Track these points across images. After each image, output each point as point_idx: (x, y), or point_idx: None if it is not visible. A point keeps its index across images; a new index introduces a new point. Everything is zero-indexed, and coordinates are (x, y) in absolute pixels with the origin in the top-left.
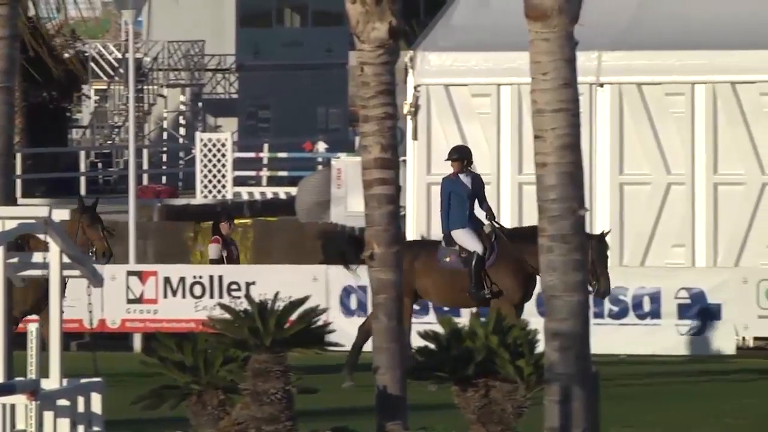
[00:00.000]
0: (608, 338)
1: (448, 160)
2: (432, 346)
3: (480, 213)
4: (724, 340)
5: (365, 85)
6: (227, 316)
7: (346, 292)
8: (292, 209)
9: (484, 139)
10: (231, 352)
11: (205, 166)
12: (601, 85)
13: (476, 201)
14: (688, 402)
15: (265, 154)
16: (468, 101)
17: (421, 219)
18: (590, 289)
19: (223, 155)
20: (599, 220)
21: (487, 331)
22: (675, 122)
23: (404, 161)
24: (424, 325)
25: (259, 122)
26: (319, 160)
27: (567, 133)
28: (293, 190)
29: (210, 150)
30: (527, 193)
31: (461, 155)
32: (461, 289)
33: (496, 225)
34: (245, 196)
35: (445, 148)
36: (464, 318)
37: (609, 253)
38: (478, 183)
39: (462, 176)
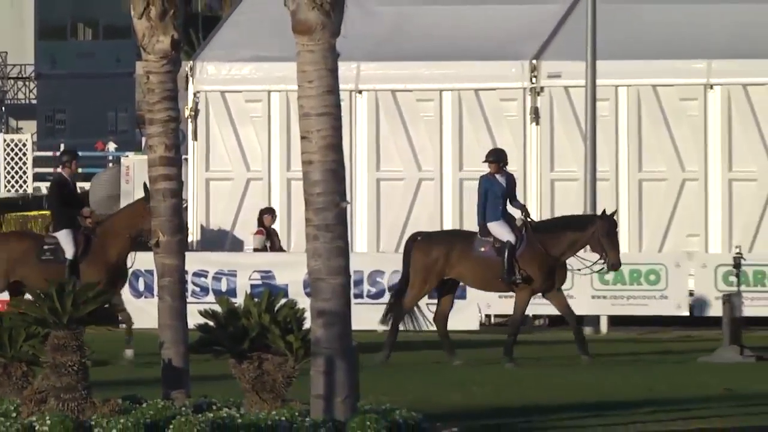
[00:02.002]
0: (367, 316)
1: (485, 161)
2: (211, 323)
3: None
4: (469, 317)
5: (151, 91)
6: (29, 297)
7: (135, 275)
8: (87, 201)
9: (256, 141)
10: (33, 329)
11: (8, 163)
12: (360, 92)
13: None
14: (438, 372)
15: None
16: (242, 106)
17: (201, 211)
18: (602, 261)
19: (24, 154)
20: (358, 212)
21: (261, 309)
22: (425, 125)
23: (186, 159)
24: (205, 304)
25: (57, 125)
26: (110, 158)
27: (330, 135)
28: (87, 185)
29: (12, 149)
30: (294, 188)
31: (498, 158)
32: (494, 275)
33: (527, 219)
34: (44, 191)
35: (222, 147)
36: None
37: (617, 230)
38: (511, 182)
39: (498, 176)
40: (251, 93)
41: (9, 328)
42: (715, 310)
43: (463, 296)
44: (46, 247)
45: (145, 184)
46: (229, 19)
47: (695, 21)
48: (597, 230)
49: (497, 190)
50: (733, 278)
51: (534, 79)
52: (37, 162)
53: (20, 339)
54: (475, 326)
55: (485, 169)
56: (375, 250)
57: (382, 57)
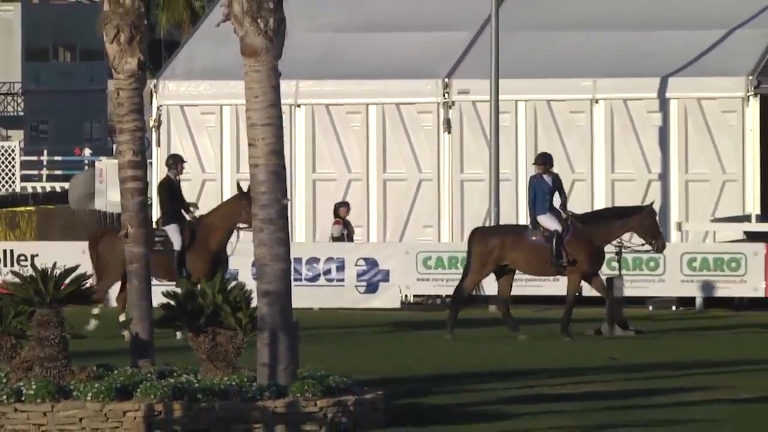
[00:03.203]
0: (306, 296)
1: (534, 164)
2: (172, 302)
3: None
4: (391, 297)
5: (120, 105)
6: (17, 280)
7: None
8: (65, 199)
9: (210, 147)
10: (20, 307)
11: None
12: (299, 106)
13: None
14: (367, 345)
15: (45, 158)
16: (198, 118)
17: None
18: (649, 247)
19: (13, 159)
20: (297, 207)
21: (214, 291)
22: (354, 134)
23: (151, 163)
24: (167, 286)
25: (40, 134)
26: (86, 162)
27: (273, 142)
28: (66, 185)
29: (2, 155)
30: (243, 187)
31: (544, 161)
32: (545, 260)
33: (570, 212)
34: (30, 190)
35: (181, 153)
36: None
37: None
38: (556, 181)
39: (545, 176)
40: (206, 107)
41: (0, 306)
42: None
43: (386, 279)
44: (156, 239)
45: (239, 184)
46: (187, 43)
47: (583, 46)
48: (643, 219)
49: (544, 188)
50: (615, 263)
51: (446, 95)
52: (24, 165)
53: (10, 316)
54: (397, 305)
55: (404, 171)
56: (311, 240)
57: (318, 76)
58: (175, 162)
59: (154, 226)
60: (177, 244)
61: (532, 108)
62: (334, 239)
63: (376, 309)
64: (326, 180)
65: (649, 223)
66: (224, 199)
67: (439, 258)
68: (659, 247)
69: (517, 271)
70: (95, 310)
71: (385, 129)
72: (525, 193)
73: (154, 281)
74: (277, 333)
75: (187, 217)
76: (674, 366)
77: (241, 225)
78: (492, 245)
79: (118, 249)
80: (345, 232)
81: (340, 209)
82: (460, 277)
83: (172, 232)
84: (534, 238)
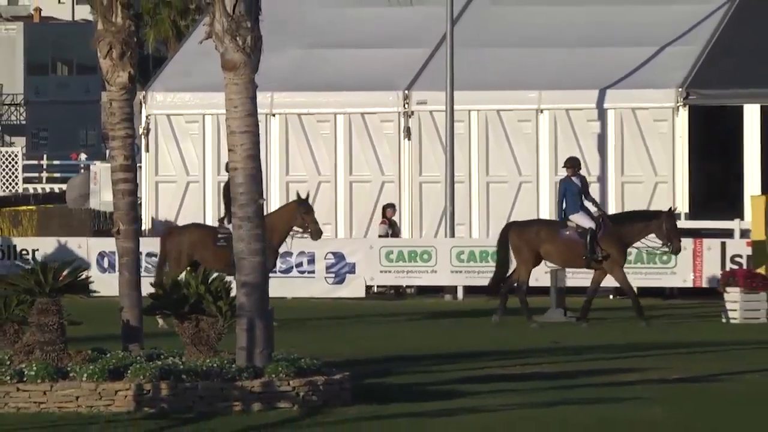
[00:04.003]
0: (280, 286)
1: (564, 167)
2: (159, 292)
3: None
4: (357, 287)
5: (113, 114)
6: (19, 272)
7: (101, 255)
8: (63, 199)
9: (194, 152)
10: (22, 297)
11: (3, 170)
12: (274, 115)
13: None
14: (335, 331)
15: (44, 162)
16: (183, 126)
17: (152, 206)
18: (666, 249)
19: (16, 163)
20: (272, 207)
21: (198, 282)
22: (323, 140)
23: (140, 167)
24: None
25: (40, 140)
26: (82, 166)
27: (251, 148)
28: (64, 186)
29: (6, 159)
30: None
31: (573, 164)
32: (577, 255)
33: (602, 211)
34: (31, 191)
35: (168, 158)
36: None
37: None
38: (585, 182)
39: (574, 178)
40: (190, 116)
41: (4, 296)
42: (544, 281)
43: (352, 271)
44: (220, 235)
45: (298, 193)
46: (173, 59)
47: (529, 61)
48: (664, 222)
49: (574, 189)
50: None
51: (406, 106)
52: (26, 169)
53: (13, 304)
54: (362, 294)
55: (369, 173)
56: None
57: (290, 88)
58: None
59: (218, 224)
60: None
61: (483, 117)
62: (380, 236)
63: (343, 298)
64: (298, 182)
65: (669, 226)
66: (203, 202)
67: (400, 252)
68: (675, 250)
69: None
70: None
71: (351, 136)
72: (478, 193)
73: (143, 273)
74: (254, 320)
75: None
76: (611, 349)
77: (295, 228)
78: (527, 238)
79: (185, 243)
80: (390, 231)
81: (387, 210)
82: (419, 269)
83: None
84: (567, 233)
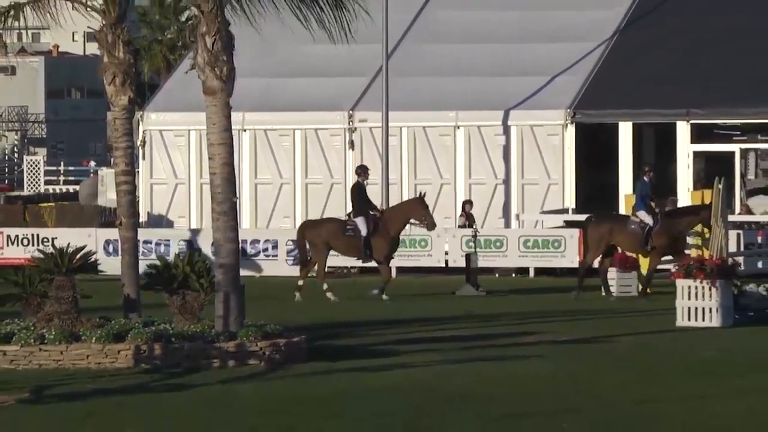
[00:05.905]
0: (249, 267)
1: (640, 170)
2: (153, 272)
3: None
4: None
5: (116, 130)
6: (42, 255)
7: (107, 242)
8: (77, 198)
9: (181, 160)
10: (44, 275)
11: (28, 174)
12: (245, 131)
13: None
14: (294, 303)
15: (61, 168)
16: (172, 139)
17: (147, 203)
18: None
19: (38, 168)
20: (244, 203)
21: (184, 263)
22: (284, 151)
23: (138, 171)
24: (150, 261)
25: (58, 150)
26: (91, 171)
27: (226, 156)
28: (77, 187)
29: (31, 166)
30: (205, 189)
31: (651, 168)
32: (639, 244)
33: (660, 209)
34: (51, 191)
35: (160, 164)
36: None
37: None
38: (652, 185)
39: (646, 179)
40: (178, 131)
41: (29, 275)
42: (461, 263)
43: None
44: (348, 227)
45: (421, 192)
46: (164, 85)
47: (448, 87)
48: (707, 215)
49: (648, 190)
50: (471, 243)
51: (350, 123)
52: (46, 173)
53: (36, 281)
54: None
55: (321, 177)
56: (254, 227)
57: (258, 109)
58: (363, 171)
59: (346, 217)
60: (363, 231)
61: (412, 132)
62: (459, 227)
63: (300, 277)
64: (264, 184)
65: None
66: (188, 201)
67: None
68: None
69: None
70: (300, 282)
71: (307, 147)
72: (408, 193)
73: (140, 256)
74: (230, 294)
75: (371, 212)
76: (513, 316)
77: (413, 221)
78: (603, 230)
79: (323, 237)
80: (467, 223)
81: (465, 205)
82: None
83: (360, 222)
84: (633, 226)
